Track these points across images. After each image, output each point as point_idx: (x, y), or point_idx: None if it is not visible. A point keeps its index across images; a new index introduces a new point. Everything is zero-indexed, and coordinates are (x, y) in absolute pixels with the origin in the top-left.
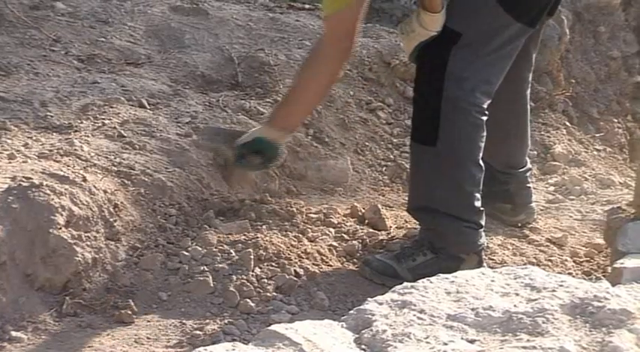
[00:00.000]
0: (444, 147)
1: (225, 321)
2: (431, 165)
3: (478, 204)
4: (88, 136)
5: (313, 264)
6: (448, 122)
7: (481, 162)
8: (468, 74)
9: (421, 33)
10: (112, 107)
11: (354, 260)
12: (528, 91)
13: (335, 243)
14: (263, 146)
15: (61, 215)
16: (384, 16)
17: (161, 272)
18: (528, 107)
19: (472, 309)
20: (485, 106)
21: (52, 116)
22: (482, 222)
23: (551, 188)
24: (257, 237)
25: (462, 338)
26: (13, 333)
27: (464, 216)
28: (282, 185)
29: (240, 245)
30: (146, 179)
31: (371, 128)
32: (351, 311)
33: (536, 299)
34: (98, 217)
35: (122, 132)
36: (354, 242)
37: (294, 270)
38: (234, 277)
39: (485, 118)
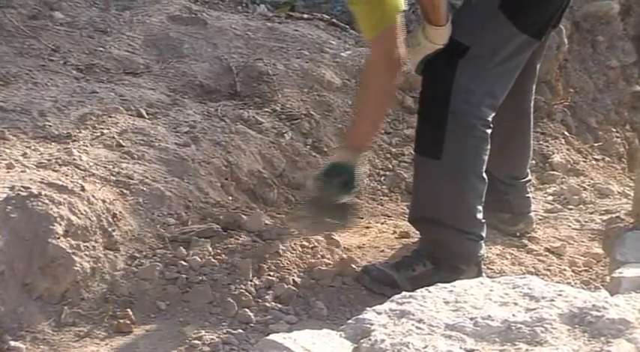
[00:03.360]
0: (448, 160)
1: (224, 331)
2: (435, 178)
3: (480, 216)
4: (86, 146)
5: (312, 273)
6: (453, 135)
7: (484, 175)
8: (475, 87)
9: (427, 46)
10: (110, 117)
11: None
12: (532, 102)
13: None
14: (339, 169)
15: (60, 224)
16: None
17: (160, 282)
18: (532, 118)
19: (471, 319)
20: (490, 119)
21: (50, 126)
22: (484, 234)
23: (550, 197)
24: (255, 247)
25: (461, 348)
26: (12, 343)
27: (466, 228)
28: (281, 194)
29: (238, 255)
30: (145, 188)
31: None
32: (350, 321)
33: (534, 309)
34: (97, 227)
35: (121, 141)
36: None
37: (293, 280)
38: (233, 287)
39: (489, 131)
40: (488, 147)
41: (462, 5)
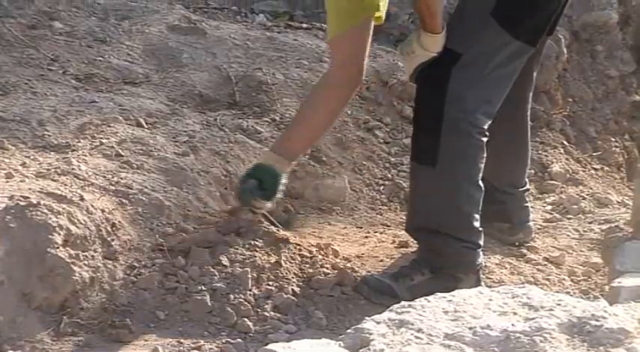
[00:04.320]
0: (443, 167)
1: (223, 340)
2: (430, 186)
3: (477, 224)
4: (85, 155)
5: (311, 283)
6: (448, 143)
7: (480, 182)
8: (469, 95)
9: (421, 54)
10: (109, 126)
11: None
12: (529, 111)
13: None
14: (259, 172)
15: (59, 234)
16: (381, 35)
17: (158, 292)
18: (529, 126)
19: (470, 328)
20: (485, 127)
21: (49, 135)
22: (481, 242)
23: (549, 207)
24: (255, 257)
25: None
26: None
27: (462, 236)
28: (280, 204)
29: (237, 264)
30: (144, 198)
31: (368, 147)
32: (349, 330)
33: (533, 318)
34: (96, 236)
35: (120, 151)
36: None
37: (292, 290)
38: (232, 296)
39: (485, 139)
40: (484, 154)
41: (455, 13)
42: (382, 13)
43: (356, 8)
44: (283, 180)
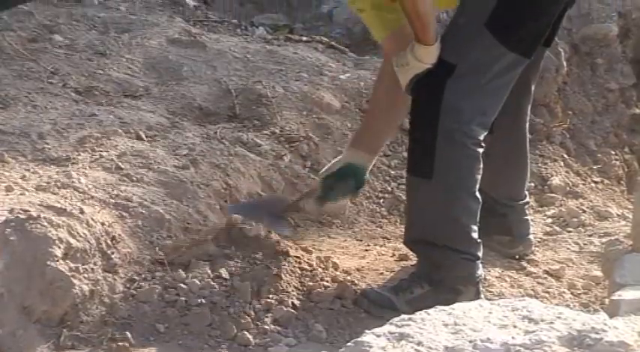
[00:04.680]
0: (440, 179)
1: None
2: (427, 198)
3: (475, 235)
4: (85, 168)
5: (311, 296)
6: (444, 155)
7: (477, 194)
8: (464, 106)
9: (415, 66)
10: (109, 139)
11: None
12: (528, 123)
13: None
14: (351, 171)
15: (59, 247)
16: (380, 48)
17: (158, 305)
18: (527, 138)
19: (470, 341)
20: (481, 138)
21: (49, 148)
22: (480, 254)
23: (549, 220)
24: (255, 269)
25: None
26: None
27: (461, 247)
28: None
29: (237, 277)
30: (143, 211)
31: None
32: (349, 344)
33: (533, 331)
34: (96, 249)
35: (120, 164)
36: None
37: (292, 302)
38: (232, 309)
39: (481, 150)
40: (481, 166)
41: (449, 24)
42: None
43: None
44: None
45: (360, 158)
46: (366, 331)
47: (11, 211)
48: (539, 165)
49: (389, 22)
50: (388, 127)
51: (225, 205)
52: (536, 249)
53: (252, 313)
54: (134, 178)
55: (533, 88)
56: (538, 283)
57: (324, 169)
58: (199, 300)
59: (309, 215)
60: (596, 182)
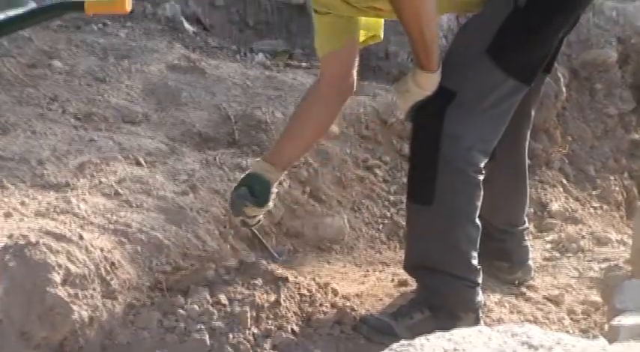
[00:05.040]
0: (440, 206)
1: None
2: (427, 224)
3: (475, 262)
4: (84, 194)
5: (310, 322)
6: (444, 181)
7: (477, 220)
8: (464, 133)
9: (416, 92)
10: (108, 165)
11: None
12: (527, 149)
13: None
14: (249, 180)
15: (58, 273)
16: (380, 73)
17: (158, 331)
18: (527, 164)
19: None
20: (482, 165)
21: (49, 174)
22: (479, 280)
23: (548, 245)
24: (254, 295)
25: None
26: None
27: (460, 274)
28: (279, 243)
29: (236, 303)
30: (143, 237)
31: (368, 186)
32: None
33: None
34: (95, 275)
35: (119, 190)
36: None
37: (291, 328)
38: (231, 335)
39: (481, 177)
40: (481, 192)
41: (449, 50)
42: (378, 31)
43: (336, 35)
44: (274, 189)
45: (264, 169)
46: None
47: (10, 237)
48: (539, 190)
49: (338, 36)
50: (297, 148)
51: (225, 231)
52: (536, 274)
53: (252, 339)
54: (133, 204)
55: (533, 114)
56: (537, 309)
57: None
58: (198, 326)
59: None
60: (595, 207)
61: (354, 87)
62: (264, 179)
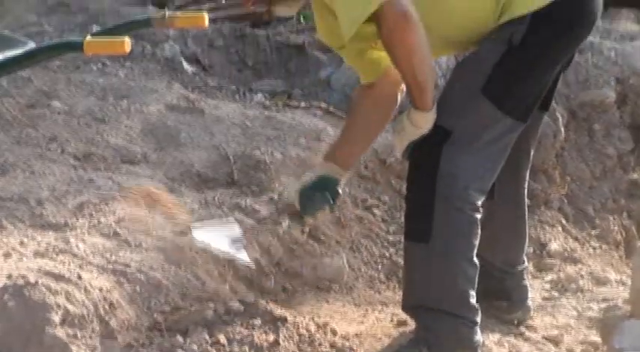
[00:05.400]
0: (437, 245)
1: None
2: (424, 263)
3: (473, 301)
4: (83, 234)
5: None
6: (441, 220)
7: (475, 259)
8: (461, 172)
9: (411, 131)
10: (107, 205)
11: None
12: (527, 189)
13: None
14: (326, 183)
15: (57, 313)
16: None
17: None
18: (526, 204)
19: None
20: (479, 203)
21: (47, 214)
22: (478, 320)
23: (547, 285)
24: (253, 336)
25: None
26: None
27: (459, 313)
28: (278, 283)
29: (236, 343)
30: (141, 277)
31: (367, 226)
32: None
33: None
34: (93, 315)
35: (118, 230)
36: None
37: None
38: None
39: (478, 215)
40: (478, 231)
41: (444, 89)
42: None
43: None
44: (340, 190)
45: (333, 171)
46: None
47: (9, 277)
48: (538, 230)
49: (373, 65)
50: (364, 143)
51: (223, 271)
52: (535, 314)
53: None
54: (132, 244)
55: (532, 153)
56: (537, 349)
57: (293, 185)
58: None
59: (292, 232)
60: (594, 247)
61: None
62: (336, 181)
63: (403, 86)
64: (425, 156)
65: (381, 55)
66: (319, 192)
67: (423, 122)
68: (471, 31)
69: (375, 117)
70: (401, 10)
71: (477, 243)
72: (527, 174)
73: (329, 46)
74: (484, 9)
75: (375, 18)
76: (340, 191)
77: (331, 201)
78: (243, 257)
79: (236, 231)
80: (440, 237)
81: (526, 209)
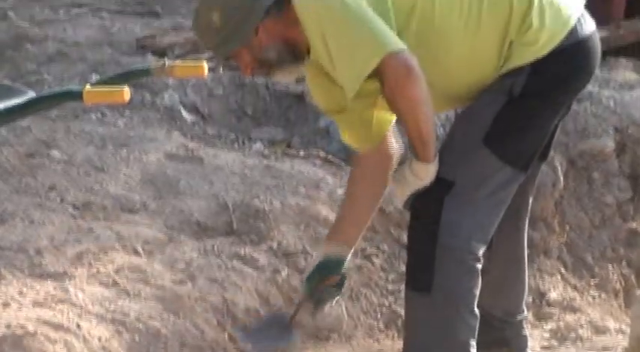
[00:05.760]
0: (438, 295)
1: None
2: (425, 313)
3: (473, 351)
4: (82, 283)
5: None
6: (443, 270)
7: (476, 309)
8: (463, 222)
9: (413, 182)
10: (106, 254)
11: None
12: (526, 238)
13: None
14: (330, 265)
15: None
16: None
17: None
18: (526, 253)
19: None
20: (480, 254)
21: (46, 263)
22: None
23: (547, 334)
24: None
25: None
26: None
27: None
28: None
29: None
30: (140, 326)
31: (366, 274)
32: None
33: None
34: None
35: (117, 279)
36: None
37: None
38: None
39: (479, 265)
40: (479, 281)
41: (446, 140)
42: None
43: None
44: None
45: (337, 251)
46: None
47: (8, 327)
48: (537, 279)
49: (378, 126)
50: (365, 216)
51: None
52: None
53: None
54: (131, 293)
55: (530, 202)
56: None
57: (305, 272)
58: None
59: (310, 324)
60: (593, 296)
61: (394, 148)
62: (340, 262)
63: (395, 161)
64: (427, 206)
65: (384, 117)
66: (326, 287)
67: (426, 174)
68: (472, 86)
69: (370, 194)
70: (404, 63)
71: (477, 293)
72: (527, 223)
73: (326, 113)
74: (486, 64)
75: (377, 73)
76: (345, 270)
77: (337, 294)
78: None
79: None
80: (441, 287)
81: (525, 258)
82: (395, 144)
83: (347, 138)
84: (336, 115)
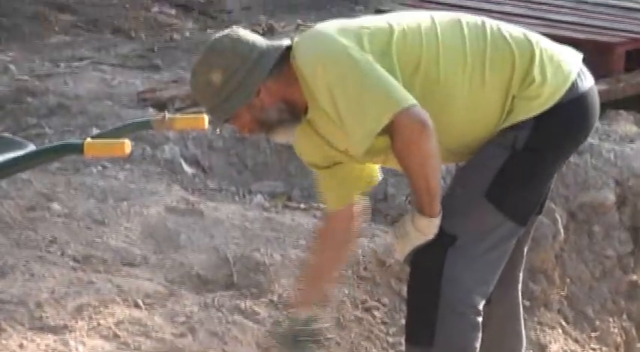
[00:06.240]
0: (440, 349)
1: None
2: None
3: None
4: (83, 337)
5: None
6: (444, 324)
7: None
8: (465, 276)
9: (416, 237)
10: (107, 307)
11: None
12: (520, 291)
13: None
14: (306, 331)
15: None
16: (378, 215)
17: None
18: (521, 305)
19: None
20: (480, 307)
21: (47, 317)
22: None
23: None
24: None
25: None
26: None
27: None
28: None
29: None
30: None
31: (366, 327)
32: None
33: None
34: None
35: (117, 332)
36: None
37: None
38: None
39: (480, 319)
40: (480, 334)
41: (447, 193)
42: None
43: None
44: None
45: (303, 312)
46: None
47: None
48: (538, 332)
49: (349, 190)
50: (323, 290)
51: None
52: None
53: None
54: (132, 346)
55: (525, 254)
56: None
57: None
58: None
59: None
60: (594, 349)
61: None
62: (311, 319)
63: (360, 221)
64: (428, 260)
65: (365, 176)
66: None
67: (429, 228)
68: (474, 140)
69: (337, 251)
70: (418, 119)
71: (477, 346)
72: (521, 276)
73: (311, 167)
74: (489, 119)
75: (387, 129)
76: (319, 325)
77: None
78: None
79: None
80: (443, 342)
81: (521, 310)
82: (362, 202)
83: (323, 194)
84: (321, 170)
